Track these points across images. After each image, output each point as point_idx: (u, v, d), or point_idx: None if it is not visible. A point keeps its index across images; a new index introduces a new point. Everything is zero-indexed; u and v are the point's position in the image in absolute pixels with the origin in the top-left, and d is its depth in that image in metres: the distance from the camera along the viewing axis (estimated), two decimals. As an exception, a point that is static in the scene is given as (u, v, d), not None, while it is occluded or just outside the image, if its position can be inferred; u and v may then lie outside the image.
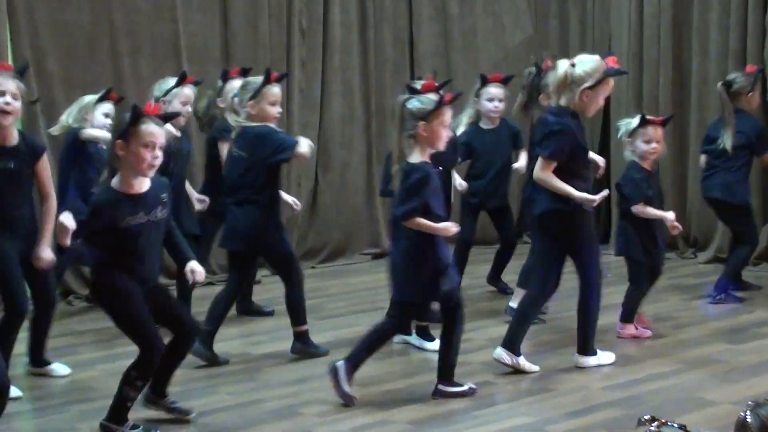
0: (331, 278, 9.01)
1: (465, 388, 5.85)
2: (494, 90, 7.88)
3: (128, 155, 5.00)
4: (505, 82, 7.94)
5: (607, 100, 6.49)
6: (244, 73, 7.40)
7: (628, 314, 7.05)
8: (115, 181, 5.05)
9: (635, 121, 6.93)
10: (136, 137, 4.99)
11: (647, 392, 5.84)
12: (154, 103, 5.89)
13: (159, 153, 5.04)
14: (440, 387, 5.83)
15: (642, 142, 6.88)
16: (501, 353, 6.24)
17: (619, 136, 7.11)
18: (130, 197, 5.03)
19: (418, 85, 6.21)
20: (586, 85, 5.99)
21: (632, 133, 6.91)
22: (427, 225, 5.60)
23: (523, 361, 6.24)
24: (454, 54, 10.78)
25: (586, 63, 6.06)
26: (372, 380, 6.11)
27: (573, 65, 6.05)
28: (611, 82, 6.10)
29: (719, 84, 8.06)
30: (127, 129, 5.01)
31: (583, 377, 6.14)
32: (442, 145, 5.75)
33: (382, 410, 5.60)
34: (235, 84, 7.14)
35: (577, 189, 6.02)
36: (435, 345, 6.49)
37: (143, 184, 5.08)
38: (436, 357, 6.00)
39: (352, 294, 8.32)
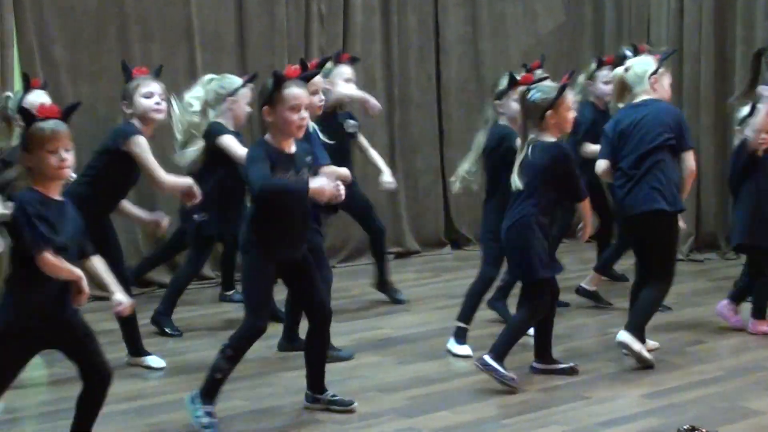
0: (352, 278, 9.03)
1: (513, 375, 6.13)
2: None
3: (276, 120, 5.37)
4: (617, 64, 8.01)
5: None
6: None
7: (760, 310, 7.19)
8: (268, 138, 5.43)
9: (746, 110, 7.29)
10: (281, 102, 5.33)
11: (687, 401, 5.86)
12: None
13: (305, 114, 5.39)
14: (535, 365, 6.42)
15: None
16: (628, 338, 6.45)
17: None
18: (284, 154, 5.38)
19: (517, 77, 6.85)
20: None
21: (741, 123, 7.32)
22: None
23: (645, 351, 6.46)
24: (482, 41, 10.79)
25: (638, 65, 6.69)
26: (397, 386, 6.17)
27: (627, 69, 6.69)
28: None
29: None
30: (271, 95, 5.35)
31: (620, 384, 6.18)
32: (569, 128, 6.35)
33: (408, 417, 5.64)
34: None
35: None
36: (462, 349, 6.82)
37: (291, 146, 5.43)
38: (462, 363, 6.13)
39: (374, 294, 8.35)
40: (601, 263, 8.21)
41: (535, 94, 6.20)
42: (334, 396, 5.75)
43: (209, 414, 5.43)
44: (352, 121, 7.93)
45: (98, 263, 4.86)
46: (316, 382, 5.78)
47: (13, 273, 4.68)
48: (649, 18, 10.66)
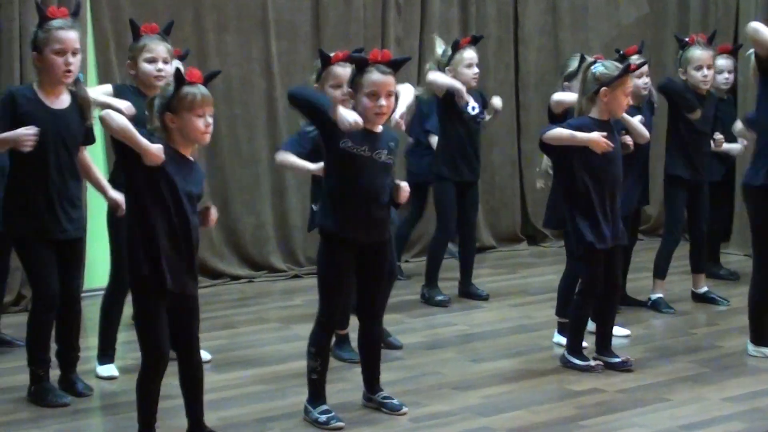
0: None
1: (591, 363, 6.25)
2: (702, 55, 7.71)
3: (357, 105, 5.42)
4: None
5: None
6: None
7: None
8: None
9: None
10: (363, 86, 5.36)
11: (772, 405, 5.80)
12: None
13: (384, 101, 5.37)
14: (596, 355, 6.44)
15: None
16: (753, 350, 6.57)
17: None
18: (363, 130, 5.37)
19: None
20: None
21: None
22: None
23: None
24: (562, 32, 10.72)
25: None
26: (473, 384, 6.15)
27: None
28: None
29: None
30: (353, 79, 5.44)
31: (702, 387, 6.10)
32: (621, 112, 6.30)
33: (483, 416, 5.62)
34: None
35: None
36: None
37: (375, 128, 5.43)
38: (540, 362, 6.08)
39: (446, 291, 8.32)
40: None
41: (597, 67, 6.21)
42: (386, 397, 5.72)
43: (324, 412, 5.49)
44: (475, 105, 8.05)
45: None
46: (369, 381, 5.77)
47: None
48: (737, 8, 10.47)
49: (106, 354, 6.38)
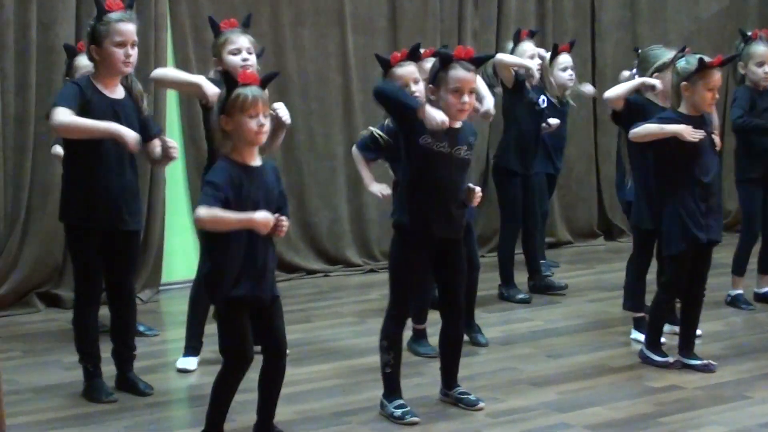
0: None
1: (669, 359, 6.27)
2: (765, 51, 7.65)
3: (438, 100, 5.38)
4: None
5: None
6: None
7: None
8: None
9: None
10: (446, 82, 5.35)
11: None
12: None
13: (467, 98, 5.35)
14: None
15: None
16: None
17: None
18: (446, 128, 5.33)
19: None
20: None
21: None
22: None
23: None
24: (640, 26, 10.65)
25: None
26: (549, 380, 6.13)
27: None
28: None
29: None
30: (436, 74, 5.39)
31: (784, 385, 6.04)
32: (706, 107, 6.18)
33: (560, 412, 5.60)
34: None
35: None
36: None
37: (455, 124, 5.38)
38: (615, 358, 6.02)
39: (524, 286, 8.29)
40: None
41: (680, 62, 6.17)
42: (463, 392, 5.71)
43: (399, 406, 5.50)
44: (544, 97, 8.08)
45: None
46: (447, 377, 5.77)
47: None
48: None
49: (191, 346, 6.40)
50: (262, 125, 4.80)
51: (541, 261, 8.72)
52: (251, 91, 4.80)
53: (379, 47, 9.31)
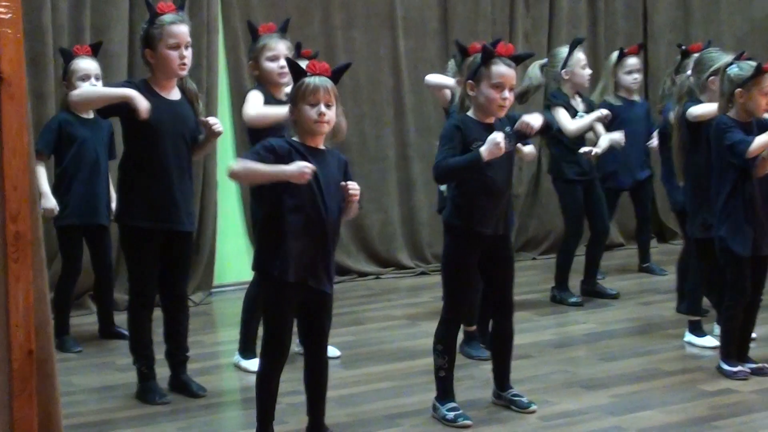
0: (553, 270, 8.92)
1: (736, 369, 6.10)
2: None
3: (478, 95, 5.37)
4: None
5: None
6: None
7: None
8: (470, 113, 5.43)
9: None
10: (487, 77, 5.31)
11: None
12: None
13: (507, 94, 5.32)
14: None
15: None
16: None
17: None
18: (482, 124, 5.37)
19: None
20: None
21: None
22: None
23: None
24: (693, 27, 10.56)
25: None
26: (603, 383, 6.09)
27: None
28: None
29: None
30: (477, 70, 5.35)
31: None
32: (760, 113, 6.07)
33: (614, 415, 5.56)
34: None
35: None
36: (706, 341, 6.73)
37: (491, 118, 5.40)
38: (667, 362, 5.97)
39: (576, 290, 8.24)
40: None
41: (732, 69, 6.07)
42: (515, 395, 5.68)
43: (452, 409, 5.48)
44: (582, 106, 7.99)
45: None
46: (499, 379, 5.74)
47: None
48: None
49: (248, 348, 6.40)
50: (322, 114, 4.79)
51: None
52: (314, 80, 4.80)
53: (431, 50, 9.33)
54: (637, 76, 8.43)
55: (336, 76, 4.90)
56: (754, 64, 6.07)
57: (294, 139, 4.87)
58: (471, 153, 5.26)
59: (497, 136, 5.19)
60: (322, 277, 4.92)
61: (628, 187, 8.74)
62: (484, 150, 5.20)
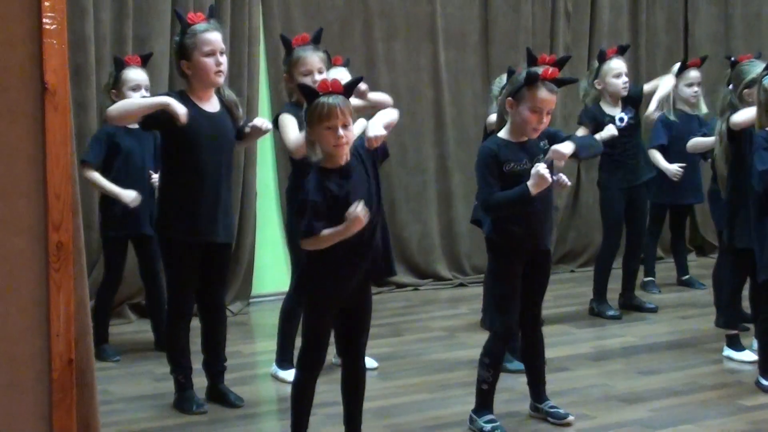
0: (590, 284, 8.87)
1: None
2: None
3: (515, 115, 5.36)
4: None
5: None
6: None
7: None
8: (503, 132, 5.42)
9: None
10: (528, 100, 5.31)
11: None
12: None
13: (546, 119, 5.32)
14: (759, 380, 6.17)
15: None
16: None
17: None
18: (515, 143, 5.37)
19: None
20: None
21: None
22: None
23: None
24: (734, 40, 10.52)
25: None
26: (641, 397, 6.07)
27: None
28: None
29: None
30: (519, 89, 5.33)
31: None
32: None
33: (652, 429, 5.54)
34: None
35: None
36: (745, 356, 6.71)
37: (525, 137, 5.39)
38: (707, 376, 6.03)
39: (614, 302, 8.20)
40: None
41: (766, 79, 5.97)
42: (552, 407, 5.67)
43: (490, 421, 5.49)
44: (623, 116, 7.90)
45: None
46: (535, 391, 5.73)
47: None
48: None
49: (286, 359, 6.41)
50: (340, 137, 4.73)
51: (648, 279, 8.88)
52: (328, 101, 4.74)
53: (471, 62, 9.34)
54: (698, 89, 8.38)
55: (348, 91, 4.85)
56: None
57: (320, 165, 4.82)
58: (520, 188, 5.24)
59: (541, 169, 5.17)
60: (359, 291, 4.92)
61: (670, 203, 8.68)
62: (531, 185, 5.20)
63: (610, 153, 7.72)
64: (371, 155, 4.91)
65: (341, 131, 4.73)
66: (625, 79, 7.86)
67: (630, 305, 8.20)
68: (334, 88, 4.79)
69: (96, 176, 6.75)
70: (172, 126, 5.57)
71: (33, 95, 3.55)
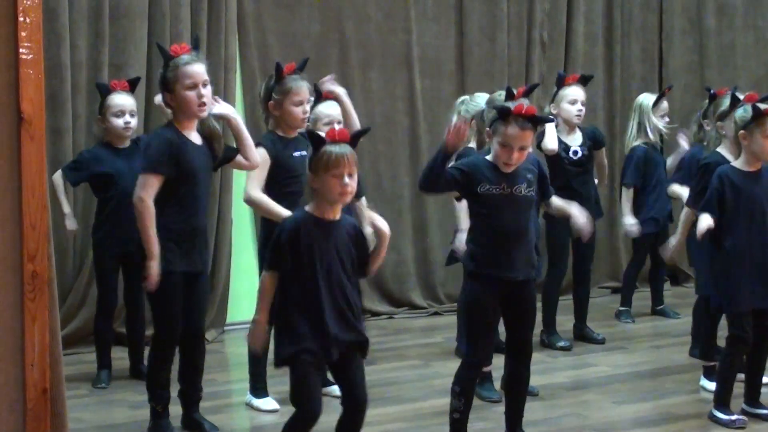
0: (567, 313, 8.88)
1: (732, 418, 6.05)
2: None
3: (491, 146, 5.42)
4: None
5: None
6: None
7: None
8: (491, 155, 5.45)
9: None
10: (498, 134, 5.36)
11: None
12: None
13: (516, 155, 5.33)
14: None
15: None
16: None
17: None
18: (496, 167, 5.39)
19: None
20: None
21: None
22: None
23: None
24: (708, 71, 10.58)
25: None
26: (615, 427, 6.08)
27: None
28: None
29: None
30: (494, 121, 5.39)
31: None
32: (766, 157, 5.95)
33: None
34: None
35: None
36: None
37: (505, 170, 5.40)
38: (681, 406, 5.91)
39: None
40: None
41: (739, 111, 6.06)
42: None
43: None
44: (578, 149, 7.93)
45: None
46: (511, 421, 5.69)
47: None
48: None
49: (259, 387, 6.41)
50: (345, 185, 4.74)
51: (623, 308, 8.94)
52: (336, 150, 4.75)
53: (447, 91, 9.36)
54: (668, 120, 8.47)
55: (354, 141, 4.86)
56: (759, 105, 5.99)
57: (308, 210, 4.85)
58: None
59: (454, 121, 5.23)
60: (334, 344, 4.83)
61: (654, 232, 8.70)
62: (445, 138, 5.22)
63: (560, 186, 7.64)
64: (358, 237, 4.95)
65: (347, 180, 4.74)
66: (580, 107, 7.85)
67: (579, 335, 8.20)
68: (341, 137, 4.81)
69: (58, 185, 6.91)
70: (174, 162, 5.60)
71: (9, 125, 3.55)
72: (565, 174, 7.74)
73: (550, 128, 7.55)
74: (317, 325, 4.76)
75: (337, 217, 4.86)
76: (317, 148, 4.78)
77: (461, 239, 6.37)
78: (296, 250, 4.75)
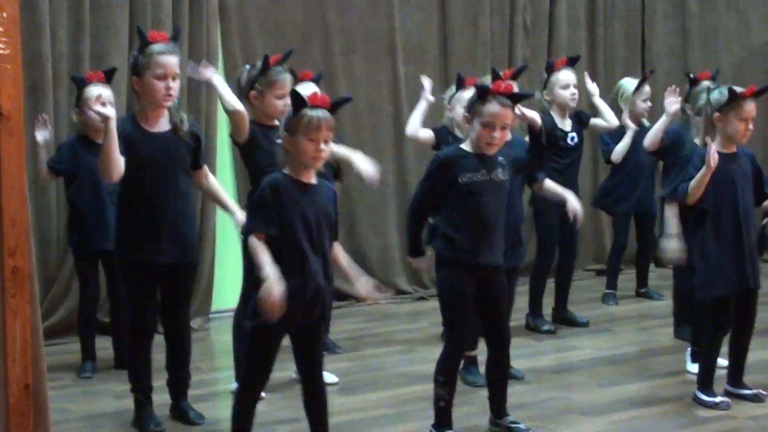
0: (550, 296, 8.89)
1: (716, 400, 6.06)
2: None
3: (471, 130, 5.43)
4: None
5: None
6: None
7: None
8: (465, 143, 5.49)
9: None
10: (479, 115, 5.37)
11: None
12: None
13: (498, 134, 5.33)
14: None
15: None
16: None
17: None
18: (474, 155, 5.39)
19: None
20: None
21: None
22: None
23: None
24: (691, 53, 10.60)
25: None
26: (600, 410, 6.10)
27: None
28: None
29: None
30: (473, 104, 5.39)
31: None
32: (740, 139, 5.97)
33: None
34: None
35: None
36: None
37: (488, 151, 5.41)
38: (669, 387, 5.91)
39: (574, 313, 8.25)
40: None
41: (713, 93, 6.04)
42: (513, 422, 5.67)
43: None
44: (574, 135, 7.98)
45: (338, 251, 5.01)
46: (495, 406, 5.72)
47: None
48: None
49: None
50: (319, 150, 4.78)
51: (608, 291, 8.98)
52: (316, 114, 4.78)
53: (431, 76, 9.29)
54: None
55: (335, 108, 4.88)
56: (733, 89, 5.98)
57: (285, 172, 4.86)
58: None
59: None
60: (315, 309, 4.89)
61: (634, 212, 8.74)
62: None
63: (552, 169, 7.65)
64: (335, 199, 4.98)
65: (322, 145, 4.78)
66: (573, 90, 7.87)
67: (562, 319, 8.22)
68: (322, 103, 4.84)
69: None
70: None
71: (-14, 121, 3.55)
72: (560, 158, 7.76)
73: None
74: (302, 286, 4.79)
75: (313, 180, 4.88)
76: (297, 110, 4.81)
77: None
78: (280, 207, 4.76)
